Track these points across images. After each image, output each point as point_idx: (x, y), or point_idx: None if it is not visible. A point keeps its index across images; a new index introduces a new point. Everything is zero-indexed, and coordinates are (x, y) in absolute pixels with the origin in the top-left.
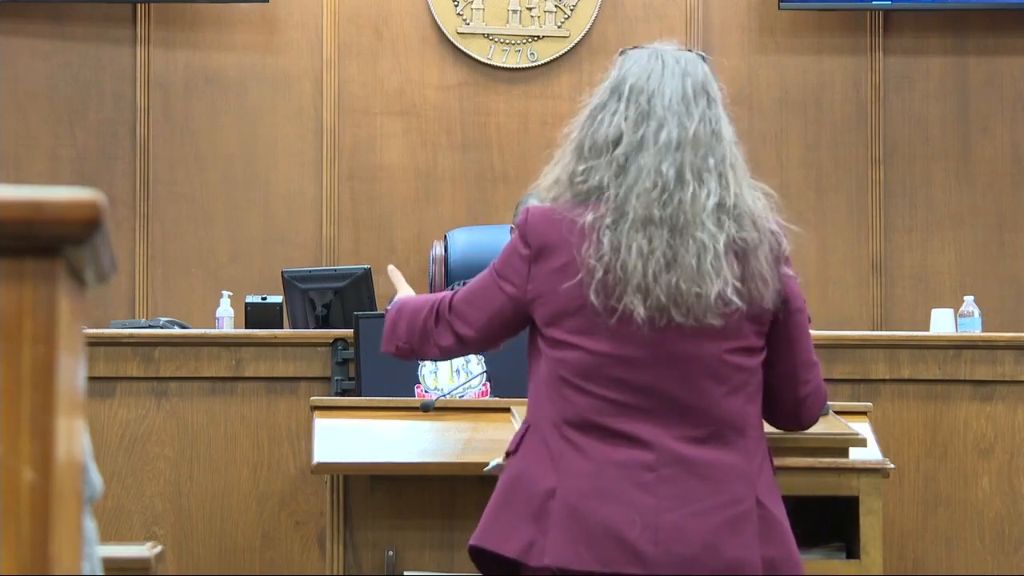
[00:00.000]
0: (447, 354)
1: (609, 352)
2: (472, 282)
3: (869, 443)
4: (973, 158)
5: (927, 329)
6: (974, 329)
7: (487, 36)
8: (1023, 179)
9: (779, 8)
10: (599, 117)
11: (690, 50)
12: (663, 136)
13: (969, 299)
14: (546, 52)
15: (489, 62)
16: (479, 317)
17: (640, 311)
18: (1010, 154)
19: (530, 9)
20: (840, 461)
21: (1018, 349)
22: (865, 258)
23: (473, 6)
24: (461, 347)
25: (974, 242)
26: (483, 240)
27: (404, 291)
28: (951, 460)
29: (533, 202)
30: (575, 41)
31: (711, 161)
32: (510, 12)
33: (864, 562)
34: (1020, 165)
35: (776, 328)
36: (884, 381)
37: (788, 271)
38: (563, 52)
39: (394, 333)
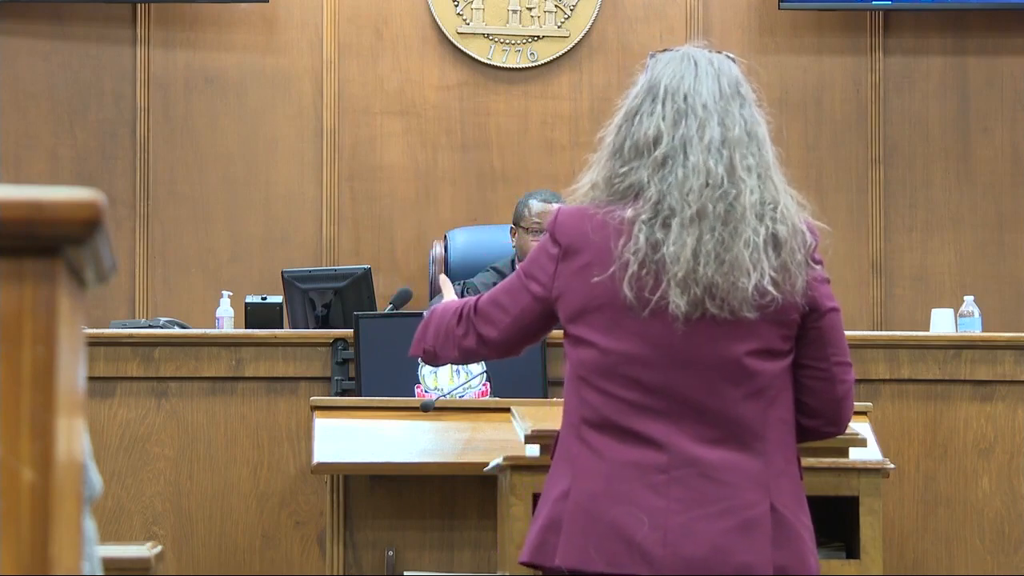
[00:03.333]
0: (468, 356)
1: (626, 351)
2: (499, 285)
3: (869, 443)
4: (973, 158)
5: (927, 329)
6: (974, 329)
7: (487, 36)
8: (1023, 179)
9: (779, 8)
10: (636, 119)
11: (719, 52)
12: (707, 135)
13: (969, 299)
14: (546, 52)
15: (489, 62)
16: (503, 318)
17: (680, 304)
18: (1010, 154)
19: (530, 9)
20: (840, 461)
21: (1018, 349)
22: (865, 258)
23: (473, 6)
24: (483, 349)
25: (974, 242)
26: (483, 240)
27: (447, 297)
28: (951, 460)
29: (533, 203)
30: (575, 41)
31: (751, 160)
32: (510, 12)
33: (864, 562)
34: (1020, 165)
35: (808, 330)
36: (884, 381)
37: (819, 270)
38: (563, 52)
39: (423, 336)
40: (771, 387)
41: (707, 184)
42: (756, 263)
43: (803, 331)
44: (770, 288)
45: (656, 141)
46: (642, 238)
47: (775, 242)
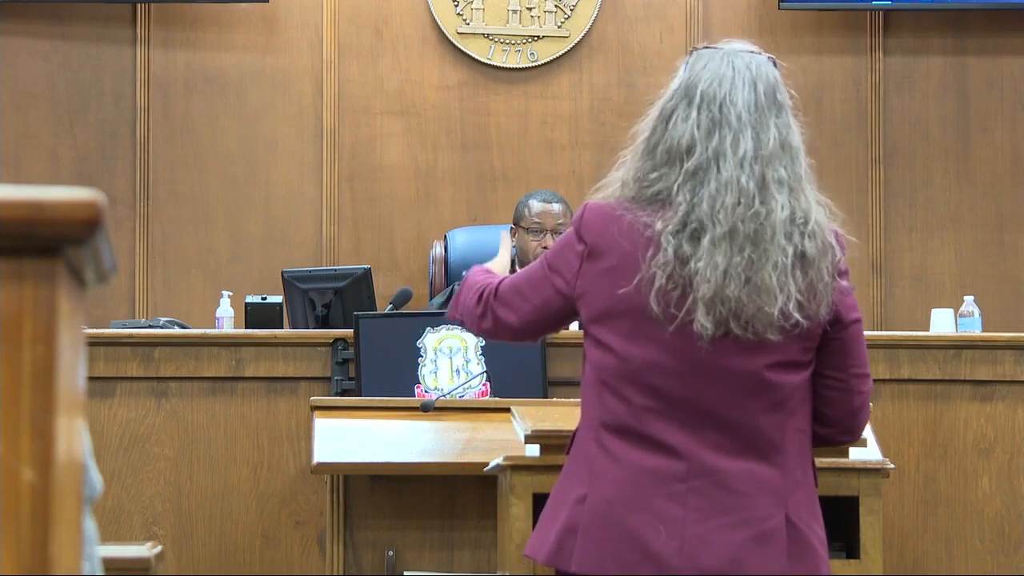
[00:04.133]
0: (486, 336)
1: (648, 359)
2: (522, 271)
3: (869, 443)
4: (973, 158)
5: (927, 329)
6: (974, 329)
7: (487, 36)
8: (1023, 179)
9: (779, 8)
10: (671, 121)
11: (760, 53)
12: (741, 148)
13: (969, 299)
14: (546, 52)
15: (489, 62)
16: (524, 306)
17: (707, 324)
18: (1010, 154)
19: (530, 9)
20: (840, 461)
21: (1018, 349)
22: (865, 258)
23: (473, 6)
24: (500, 332)
25: (974, 242)
26: (483, 240)
27: (497, 260)
28: (951, 460)
29: (533, 203)
30: (575, 41)
31: (783, 172)
32: (510, 12)
33: (864, 562)
34: (1020, 165)
35: (830, 341)
36: (884, 381)
37: (844, 283)
38: (563, 52)
39: (455, 304)
40: (791, 399)
41: (739, 202)
42: (783, 285)
43: (825, 342)
44: (795, 313)
45: (689, 150)
46: (671, 251)
47: (803, 262)
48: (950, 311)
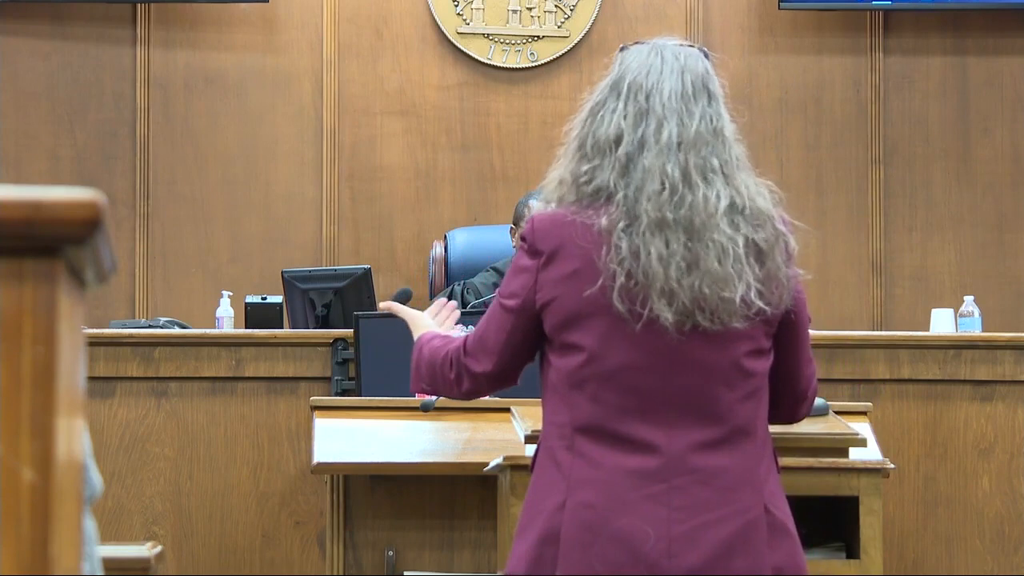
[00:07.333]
0: (469, 396)
1: (622, 357)
2: (482, 318)
3: (869, 443)
4: (973, 158)
5: (927, 329)
6: (974, 329)
7: (487, 36)
8: (1023, 179)
9: (779, 8)
10: (599, 115)
11: (692, 45)
12: (664, 136)
13: (969, 299)
14: (546, 52)
15: (489, 62)
16: (493, 347)
17: (667, 316)
18: (1010, 154)
19: (530, 9)
20: (840, 461)
21: (1018, 349)
22: (865, 258)
23: (473, 6)
24: (482, 384)
25: (974, 242)
26: (483, 240)
27: (417, 326)
28: (951, 460)
29: (533, 203)
30: (575, 41)
31: (715, 161)
32: (510, 12)
33: (864, 562)
34: (1020, 165)
35: (784, 328)
36: (884, 381)
37: (796, 271)
38: (563, 52)
39: (418, 376)
40: (762, 387)
41: (663, 188)
42: (740, 274)
43: (778, 330)
44: (757, 300)
45: (617, 141)
46: (624, 247)
47: (757, 252)
48: (950, 311)
